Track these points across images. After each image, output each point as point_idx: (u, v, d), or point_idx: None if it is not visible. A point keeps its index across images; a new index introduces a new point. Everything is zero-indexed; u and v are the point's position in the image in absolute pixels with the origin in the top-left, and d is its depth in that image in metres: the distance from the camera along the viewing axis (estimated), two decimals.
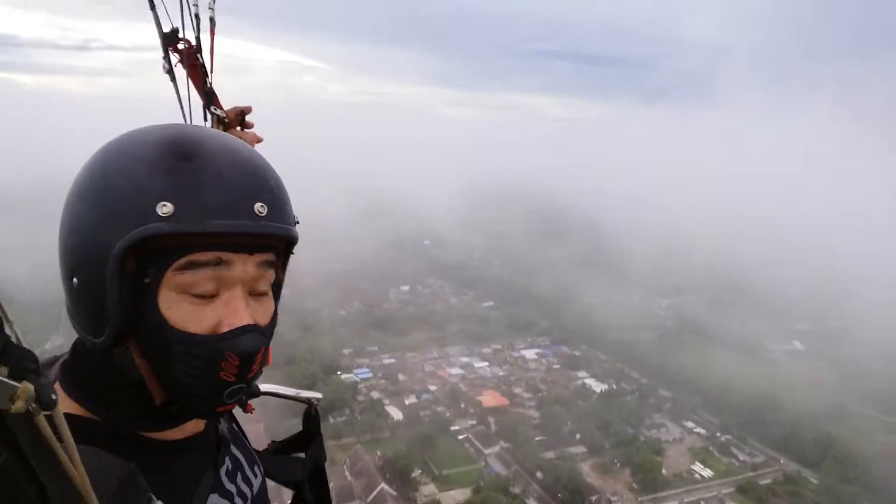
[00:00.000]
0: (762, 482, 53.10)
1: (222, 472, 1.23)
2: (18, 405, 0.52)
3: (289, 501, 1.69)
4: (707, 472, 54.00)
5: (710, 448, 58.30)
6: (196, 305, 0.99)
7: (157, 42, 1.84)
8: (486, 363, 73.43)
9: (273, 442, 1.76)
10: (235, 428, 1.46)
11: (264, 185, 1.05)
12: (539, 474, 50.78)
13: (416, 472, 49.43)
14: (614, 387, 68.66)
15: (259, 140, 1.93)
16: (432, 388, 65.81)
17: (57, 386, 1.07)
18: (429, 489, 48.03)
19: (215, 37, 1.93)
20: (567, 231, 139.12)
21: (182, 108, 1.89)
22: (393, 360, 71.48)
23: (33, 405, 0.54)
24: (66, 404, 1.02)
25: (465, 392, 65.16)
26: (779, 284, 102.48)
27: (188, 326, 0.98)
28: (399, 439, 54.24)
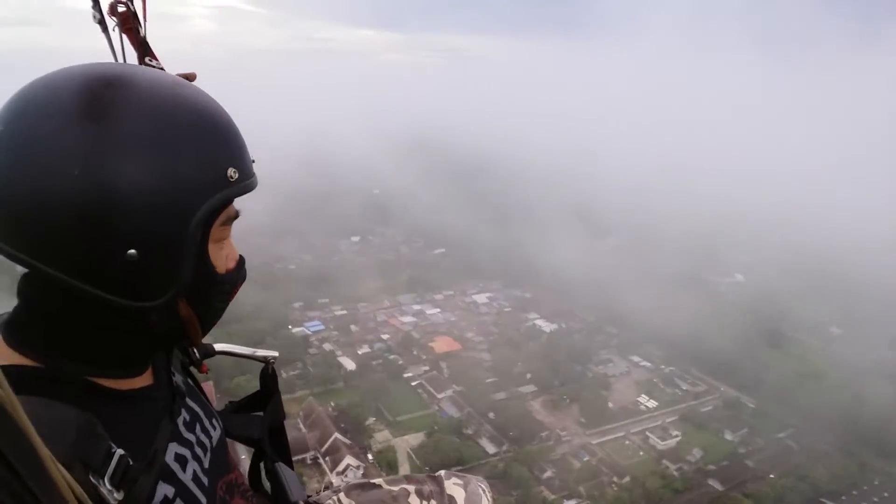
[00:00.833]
0: (703, 409, 55.80)
1: (180, 422, 1.24)
2: None
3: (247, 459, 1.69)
4: (652, 403, 56.34)
5: (655, 380, 60.75)
6: (221, 250, 1.13)
7: None
8: (438, 310, 73.91)
9: (231, 402, 1.75)
10: (191, 382, 1.46)
11: (242, 136, 1.15)
12: (491, 415, 52.06)
13: (370, 420, 49.96)
14: (563, 326, 70.17)
15: None
16: (385, 337, 65.92)
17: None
18: (383, 436, 48.61)
19: None
20: (508, 177, 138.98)
21: (115, 61, 1.74)
22: (345, 312, 71.08)
23: None
24: (9, 356, 1.02)
25: (418, 339, 65.59)
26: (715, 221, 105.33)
27: (222, 269, 1.13)
28: (353, 389, 54.47)
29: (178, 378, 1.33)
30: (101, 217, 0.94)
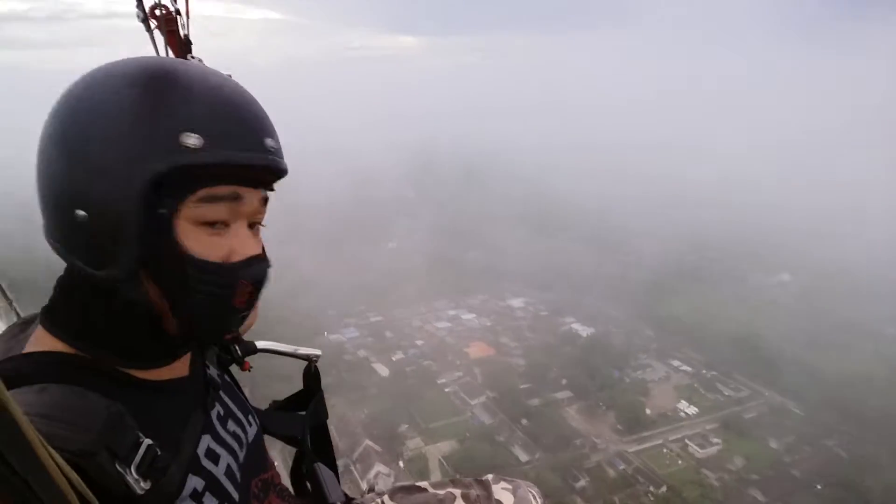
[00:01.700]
0: (747, 416, 53.79)
1: (213, 415, 1.23)
2: None
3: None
4: (692, 410, 54.52)
5: (696, 385, 58.79)
6: (210, 236, 1.01)
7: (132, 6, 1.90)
8: (474, 315, 73.45)
9: (274, 401, 1.79)
10: (228, 379, 1.47)
11: (267, 118, 1.08)
12: (524, 421, 51.37)
13: (403, 427, 49.95)
14: (601, 329, 68.81)
15: None
16: (419, 342, 65.93)
17: (39, 329, 1.05)
18: (415, 443, 48.51)
19: None
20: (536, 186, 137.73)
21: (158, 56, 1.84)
22: (380, 318, 71.41)
23: None
24: (47, 342, 1.02)
25: (453, 344, 65.33)
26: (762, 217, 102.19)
27: (206, 255, 1.00)
28: (386, 396, 54.55)
29: (212, 371, 1.33)
30: (56, 174, 0.96)
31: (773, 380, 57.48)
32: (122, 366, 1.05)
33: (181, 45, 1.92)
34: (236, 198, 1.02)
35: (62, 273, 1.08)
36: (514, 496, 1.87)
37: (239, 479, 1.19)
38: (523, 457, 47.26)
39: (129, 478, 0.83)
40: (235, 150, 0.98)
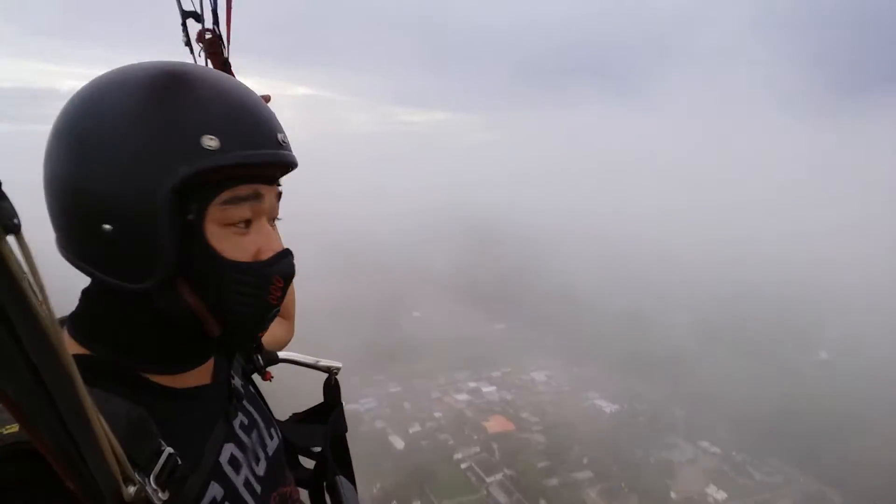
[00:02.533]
0: (780, 503, 50.52)
1: (236, 424, 1.22)
2: None
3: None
4: (721, 495, 51.42)
5: (725, 468, 55.65)
6: (238, 236, 1.01)
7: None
8: (494, 387, 71.83)
9: (294, 414, 1.77)
10: (252, 389, 1.45)
11: (273, 115, 1.09)
12: (542, 502, 49.19)
13: None
14: (626, 407, 66.53)
15: None
16: (437, 415, 64.55)
17: (66, 335, 1.04)
18: None
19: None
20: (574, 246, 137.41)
21: None
22: (399, 389, 70.49)
23: None
24: (73, 347, 1.02)
25: (471, 418, 63.75)
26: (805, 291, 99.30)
27: (238, 256, 1.00)
28: (400, 470, 53.13)
29: (236, 381, 1.31)
30: (76, 190, 0.93)
31: (809, 464, 54.22)
32: (146, 372, 1.04)
33: (223, 67, 2.03)
34: (258, 196, 1.02)
35: (87, 285, 1.06)
36: None
37: (258, 491, 1.18)
38: None
39: (148, 488, 0.79)
40: (253, 148, 0.98)
